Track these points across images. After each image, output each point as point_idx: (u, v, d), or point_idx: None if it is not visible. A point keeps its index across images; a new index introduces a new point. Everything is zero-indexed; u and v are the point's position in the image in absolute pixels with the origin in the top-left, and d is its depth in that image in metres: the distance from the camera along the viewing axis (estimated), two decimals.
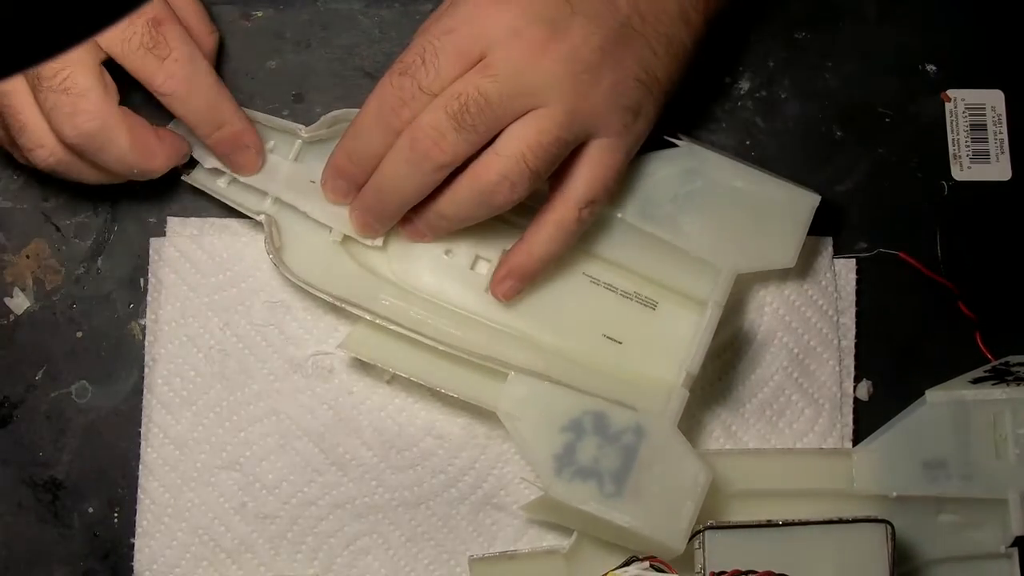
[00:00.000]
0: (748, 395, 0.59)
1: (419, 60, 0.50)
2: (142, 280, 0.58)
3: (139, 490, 0.57)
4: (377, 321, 0.54)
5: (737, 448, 0.58)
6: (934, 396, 0.56)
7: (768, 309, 0.59)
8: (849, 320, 0.60)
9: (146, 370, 0.57)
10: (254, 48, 0.60)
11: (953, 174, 0.62)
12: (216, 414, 0.57)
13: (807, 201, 0.57)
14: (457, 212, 0.53)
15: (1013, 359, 0.59)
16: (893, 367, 0.60)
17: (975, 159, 0.62)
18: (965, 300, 0.60)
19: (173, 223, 0.58)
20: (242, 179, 0.56)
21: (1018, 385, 0.55)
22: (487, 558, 0.56)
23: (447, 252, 0.57)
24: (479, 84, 0.49)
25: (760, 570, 0.50)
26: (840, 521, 0.52)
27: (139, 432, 0.57)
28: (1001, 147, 0.62)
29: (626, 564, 0.52)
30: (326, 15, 0.60)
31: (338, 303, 0.55)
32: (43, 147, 0.52)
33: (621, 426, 0.53)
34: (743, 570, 0.50)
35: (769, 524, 0.52)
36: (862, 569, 0.52)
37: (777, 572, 0.50)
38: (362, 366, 0.57)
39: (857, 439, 0.59)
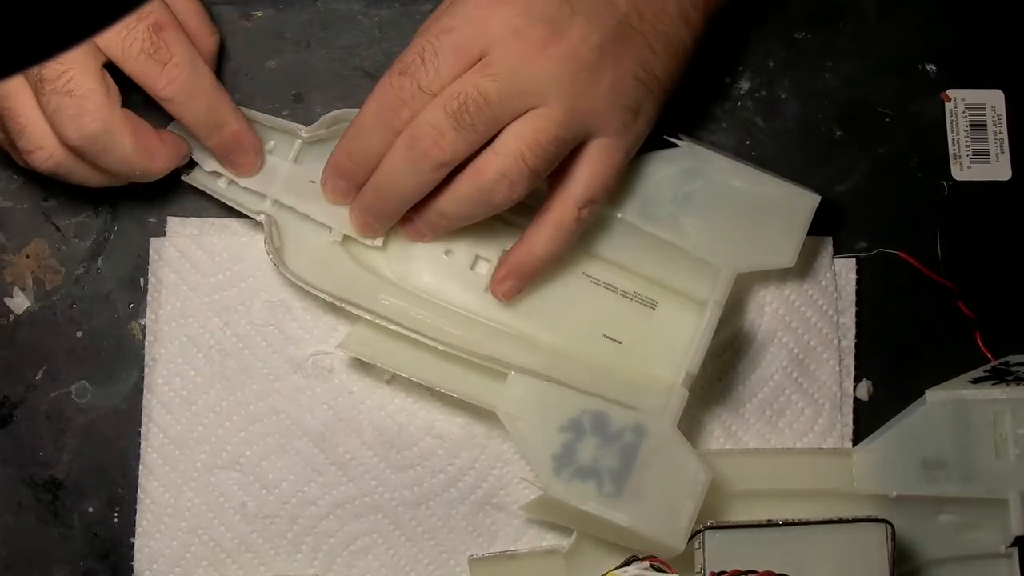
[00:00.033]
0: (748, 395, 0.59)
1: (419, 60, 0.50)
2: (142, 280, 0.58)
3: (139, 490, 0.57)
4: (377, 321, 0.54)
5: (737, 448, 0.58)
6: (934, 396, 0.56)
7: (768, 309, 0.59)
8: (849, 320, 0.60)
9: (146, 370, 0.57)
10: (254, 48, 0.60)
11: (953, 174, 0.62)
12: (216, 414, 0.57)
13: (807, 201, 0.57)
14: (457, 211, 0.53)
15: (1013, 359, 0.59)
16: (893, 367, 0.60)
17: (975, 159, 0.62)
18: (965, 300, 0.60)
19: (173, 223, 0.58)
20: (242, 182, 0.56)
21: (1018, 385, 0.55)
22: (487, 558, 0.56)
23: (447, 252, 0.57)
24: (478, 83, 0.49)
25: (760, 570, 0.50)
26: (840, 521, 0.52)
27: (139, 432, 0.57)
28: (1001, 147, 0.62)
29: (626, 564, 0.52)
30: (326, 15, 0.60)
31: (338, 303, 0.55)
32: (42, 149, 0.52)
33: (621, 426, 0.53)
34: (743, 570, 0.50)
35: (769, 524, 0.52)
36: (862, 569, 0.52)
37: (777, 572, 0.50)
38: (362, 366, 0.57)
39: (857, 439, 0.59)
